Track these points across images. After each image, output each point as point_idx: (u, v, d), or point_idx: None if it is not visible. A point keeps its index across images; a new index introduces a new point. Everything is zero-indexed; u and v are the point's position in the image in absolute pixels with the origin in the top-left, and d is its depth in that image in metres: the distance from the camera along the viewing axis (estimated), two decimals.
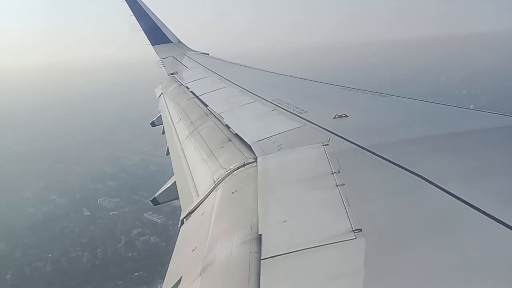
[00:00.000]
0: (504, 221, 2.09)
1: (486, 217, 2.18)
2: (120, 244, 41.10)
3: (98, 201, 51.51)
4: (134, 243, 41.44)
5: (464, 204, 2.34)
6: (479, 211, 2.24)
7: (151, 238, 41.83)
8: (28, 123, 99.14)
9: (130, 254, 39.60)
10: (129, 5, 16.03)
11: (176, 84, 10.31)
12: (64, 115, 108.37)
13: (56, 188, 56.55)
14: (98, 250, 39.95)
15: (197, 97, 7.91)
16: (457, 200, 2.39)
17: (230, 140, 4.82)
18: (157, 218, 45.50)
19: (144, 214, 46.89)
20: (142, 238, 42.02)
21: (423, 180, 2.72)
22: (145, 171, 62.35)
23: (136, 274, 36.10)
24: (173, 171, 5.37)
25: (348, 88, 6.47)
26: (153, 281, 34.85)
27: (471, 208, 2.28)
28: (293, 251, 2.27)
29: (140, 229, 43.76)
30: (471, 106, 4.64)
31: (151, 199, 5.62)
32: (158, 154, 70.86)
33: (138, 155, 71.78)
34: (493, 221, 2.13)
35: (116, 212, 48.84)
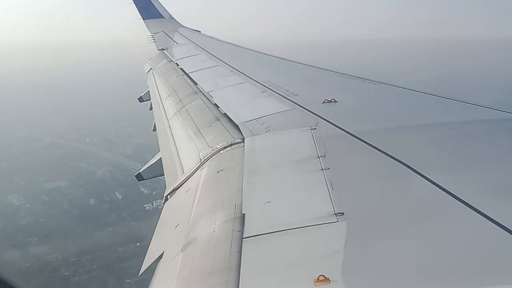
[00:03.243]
0: (483, 212, 2.15)
1: (466, 207, 2.23)
2: None
3: None
4: None
5: (445, 194, 2.38)
6: (460, 201, 2.28)
7: None
8: None
9: None
10: None
11: (165, 60, 10.16)
12: (8, 94, 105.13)
13: None
14: None
15: (186, 74, 7.82)
16: (439, 189, 2.44)
17: (218, 120, 4.80)
18: (18, 201, 45.21)
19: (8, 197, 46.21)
20: None
21: (407, 168, 2.75)
22: (47, 154, 61.87)
23: None
24: (159, 148, 5.34)
25: (339, 74, 6.46)
26: None
27: (452, 198, 2.33)
28: (275, 231, 2.30)
29: None
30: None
31: (135, 174, 5.60)
32: (71, 138, 69.99)
33: (52, 137, 70.86)
34: (473, 211, 2.18)
35: None
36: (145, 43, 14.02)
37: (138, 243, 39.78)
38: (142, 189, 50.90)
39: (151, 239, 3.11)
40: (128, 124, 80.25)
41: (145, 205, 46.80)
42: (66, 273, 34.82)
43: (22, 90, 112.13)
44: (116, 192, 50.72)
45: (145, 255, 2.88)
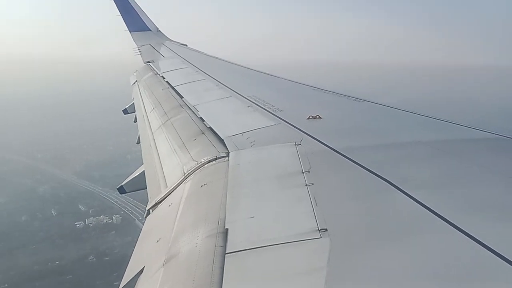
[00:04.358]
0: (463, 229, 2.18)
1: (446, 224, 2.25)
2: None
3: None
4: None
5: (426, 210, 2.41)
6: (440, 218, 2.31)
7: None
8: None
9: None
10: None
11: (151, 73, 10.14)
12: None
13: None
14: None
15: (172, 87, 7.81)
16: (420, 206, 2.47)
17: (203, 133, 4.79)
18: None
19: None
20: None
21: (389, 185, 2.78)
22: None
23: None
24: (142, 160, 5.28)
25: (324, 91, 6.54)
26: None
27: (433, 215, 2.36)
28: (258, 247, 2.28)
29: None
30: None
31: (117, 187, 5.52)
32: (23, 153, 70.11)
33: (2, 152, 70.80)
34: (453, 228, 2.21)
35: None
36: (131, 56, 14.03)
37: (57, 262, 38.50)
38: (80, 206, 50.10)
39: (131, 253, 3.05)
40: (84, 141, 79.33)
41: (76, 223, 45.60)
42: None
43: None
44: (52, 209, 49.74)
45: (125, 270, 2.82)
